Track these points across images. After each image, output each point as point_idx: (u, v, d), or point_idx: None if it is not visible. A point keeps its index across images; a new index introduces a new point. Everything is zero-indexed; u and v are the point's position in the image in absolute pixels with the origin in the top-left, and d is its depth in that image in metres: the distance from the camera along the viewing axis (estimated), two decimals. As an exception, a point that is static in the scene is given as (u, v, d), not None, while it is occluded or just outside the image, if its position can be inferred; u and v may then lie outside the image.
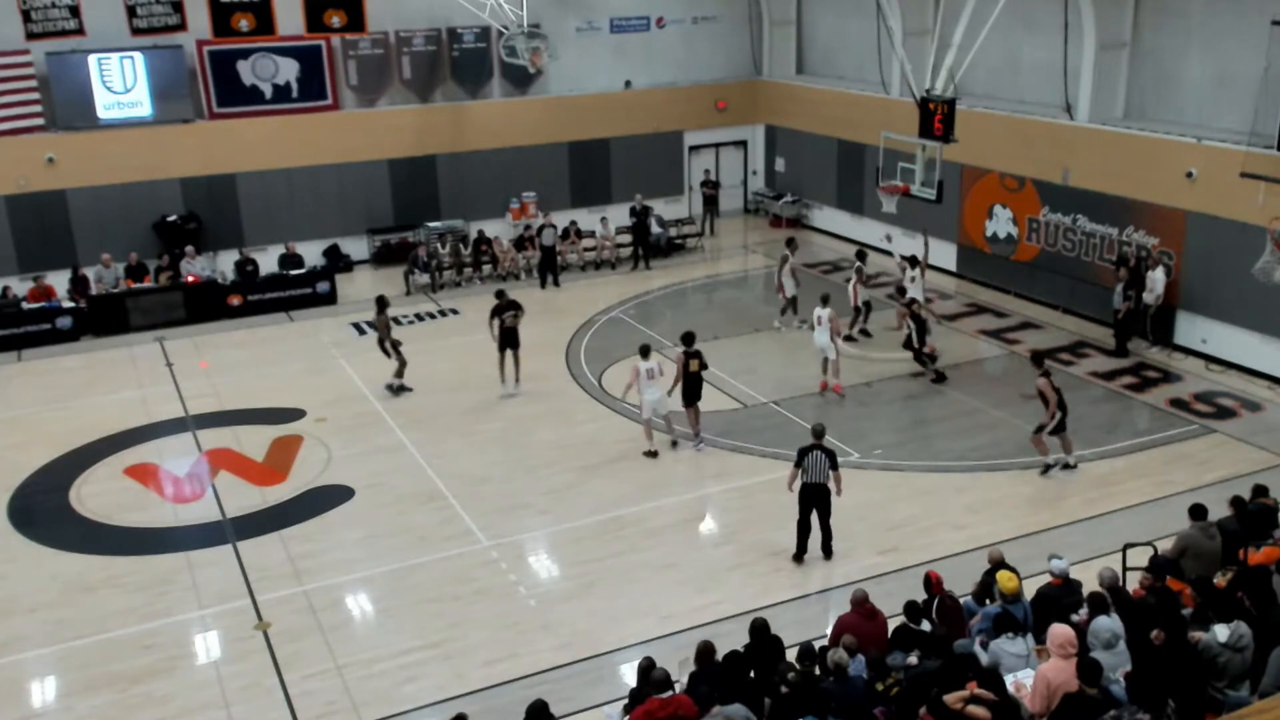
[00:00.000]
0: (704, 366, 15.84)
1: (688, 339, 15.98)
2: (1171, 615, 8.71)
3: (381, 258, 25.34)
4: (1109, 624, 8.73)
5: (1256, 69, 17.06)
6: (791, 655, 9.19)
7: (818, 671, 8.63)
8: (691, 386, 15.75)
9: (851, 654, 8.75)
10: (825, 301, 17.52)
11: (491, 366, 18.00)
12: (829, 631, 10.11)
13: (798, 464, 12.62)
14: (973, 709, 7.76)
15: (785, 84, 28.46)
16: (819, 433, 12.79)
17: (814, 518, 12.75)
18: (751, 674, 8.99)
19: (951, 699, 7.82)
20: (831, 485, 12.62)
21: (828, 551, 12.86)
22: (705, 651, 8.96)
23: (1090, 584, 9.82)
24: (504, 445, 16.30)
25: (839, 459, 12.81)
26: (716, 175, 28.61)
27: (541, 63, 22.83)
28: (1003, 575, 9.71)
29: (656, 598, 12.24)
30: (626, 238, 25.57)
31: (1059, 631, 8.27)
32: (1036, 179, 21.39)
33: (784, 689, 8.32)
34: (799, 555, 12.84)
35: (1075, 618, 9.20)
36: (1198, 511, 10.76)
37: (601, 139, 27.20)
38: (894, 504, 14.20)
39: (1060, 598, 9.67)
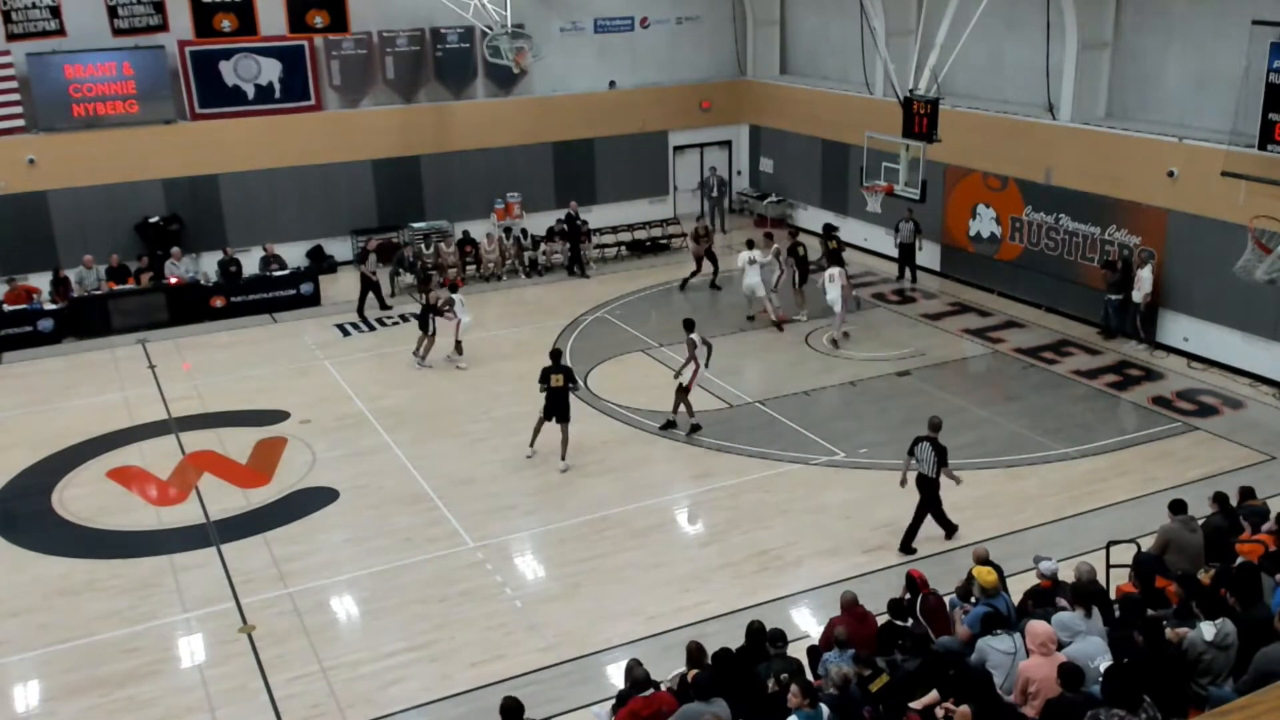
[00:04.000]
0: (571, 384, 15.52)
1: (554, 355, 16.01)
2: (1140, 615, 8.72)
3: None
4: (1069, 619, 8.78)
5: (1237, 68, 17.15)
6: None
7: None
8: (555, 402, 15.32)
9: (842, 647, 8.75)
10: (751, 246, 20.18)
11: (476, 366, 17.93)
12: (819, 632, 10.13)
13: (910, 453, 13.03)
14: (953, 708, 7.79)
15: (769, 84, 28.48)
16: (935, 425, 13.05)
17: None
18: (742, 674, 8.98)
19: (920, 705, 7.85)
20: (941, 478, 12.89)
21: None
22: (697, 651, 8.96)
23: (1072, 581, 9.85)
24: (490, 446, 16.26)
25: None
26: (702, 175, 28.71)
27: (525, 63, 22.80)
28: (980, 570, 9.71)
29: (643, 598, 12.24)
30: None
31: (1038, 628, 8.29)
32: (1019, 178, 21.46)
33: (775, 687, 8.33)
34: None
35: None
36: (1178, 506, 10.82)
37: (586, 139, 27.15)
38: (879, 503, 14.22)
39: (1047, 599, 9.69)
